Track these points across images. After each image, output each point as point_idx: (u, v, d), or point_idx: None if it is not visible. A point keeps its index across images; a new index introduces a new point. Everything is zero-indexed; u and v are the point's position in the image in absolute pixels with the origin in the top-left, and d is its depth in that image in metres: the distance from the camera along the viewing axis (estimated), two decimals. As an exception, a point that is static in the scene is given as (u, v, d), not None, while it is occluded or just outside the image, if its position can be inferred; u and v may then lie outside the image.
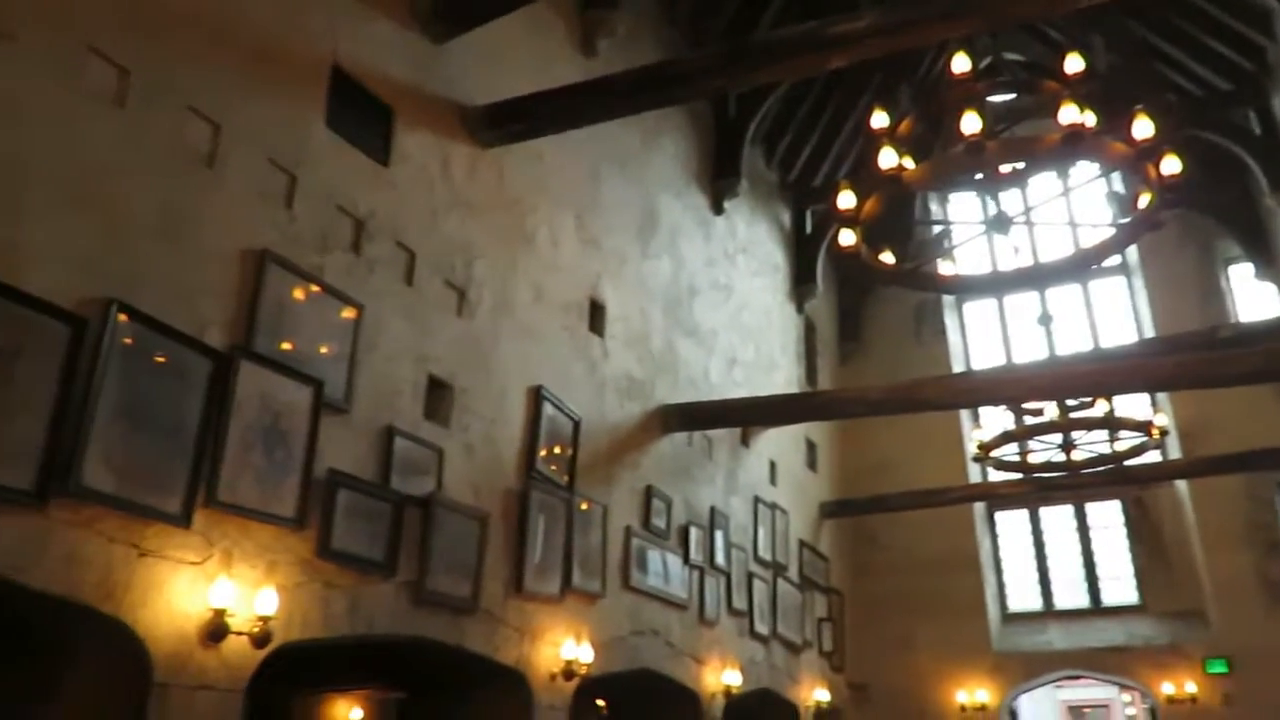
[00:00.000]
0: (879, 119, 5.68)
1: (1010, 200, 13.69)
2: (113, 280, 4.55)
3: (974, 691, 13.55)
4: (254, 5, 5.66)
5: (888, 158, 5.43)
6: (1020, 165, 5.53)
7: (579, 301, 8.70)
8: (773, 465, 12.42)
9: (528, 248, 8.02)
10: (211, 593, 4.76)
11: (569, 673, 7.51)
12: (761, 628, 11.21)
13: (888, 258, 6.24)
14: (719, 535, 10.53)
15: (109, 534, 4.40)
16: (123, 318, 4.53)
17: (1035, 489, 13.06)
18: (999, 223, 5.74)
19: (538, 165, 8.25)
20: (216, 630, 4.72)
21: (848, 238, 6.06)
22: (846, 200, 5.61)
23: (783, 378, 13.27)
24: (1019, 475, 11.36)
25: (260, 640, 4.92)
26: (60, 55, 4.47)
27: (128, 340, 4.55)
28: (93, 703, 4.74)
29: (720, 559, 10.48)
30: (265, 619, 4.91)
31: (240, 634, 4.84)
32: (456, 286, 7.08)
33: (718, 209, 11.95)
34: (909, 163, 5.67)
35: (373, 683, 9.13)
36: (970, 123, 4.88)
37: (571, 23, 9.19)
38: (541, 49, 8.52)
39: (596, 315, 8.96)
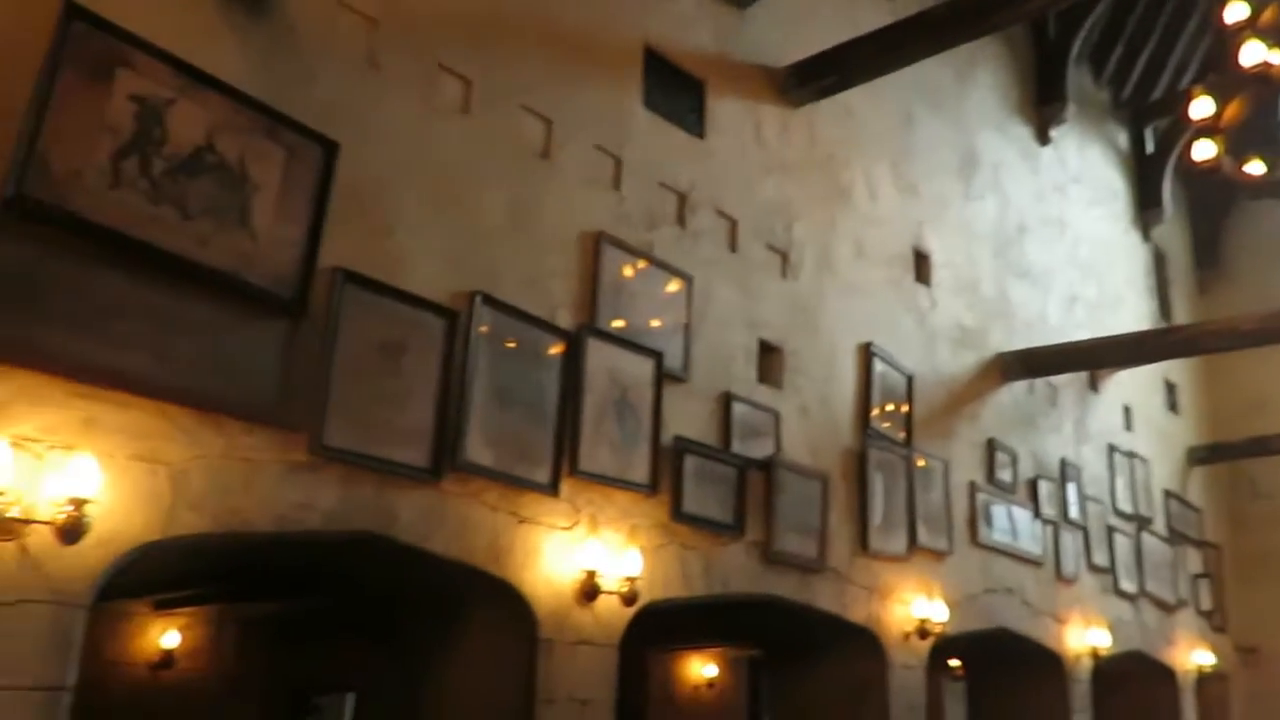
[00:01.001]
0: (1235, 11, 5.06)
1: None
2: (473, 273, 5.00)
3: (1396, 655, 11.83)
4: (570, 3, 5.97)
5: (1252, 52, 4.83)
6: None
7: (902, 252, 8.45)
8: (1127, 410, 11.45)
9: (845, 203, 7.89)
10: (582, 555, 5.13)
11: (923, 632, 7.38)
12: (1127, 585, 10.42)
13: (1255, 168, 5.58)
14: (1071, 488, 9.90)
15: (491, 504, 4.87)
16: (485, 307, 4.96)
17: None
18: (1404, 110, 4.93)
19: (848, 118, 8.08)
20: (590, 590, 5.09)
21: (1205, 150, 5.47)
22: (1203, 108, 5.09)
23: (1131, 314, 12.15)
24: None
25: (629, 599, 5.25)
26: (416, 76, 4.96)
27: (486, 328, 4.97)
28: (486, 656, 5.29)
29: (1074, 512, 9.85)
30: (632, 579, 5.22)
31: (611, 593, 5.18)
32: (778, 249, 7.11)
33: (1043, 139, 11.11)
34: (1277, 56, 5.00)
35: (726, 641, 9.47)
36: (1360, -3, 4.21)
37: (871, -35, 8.89)
38: (843, -2, 8.32)
39: (921, 264, 8.66)
